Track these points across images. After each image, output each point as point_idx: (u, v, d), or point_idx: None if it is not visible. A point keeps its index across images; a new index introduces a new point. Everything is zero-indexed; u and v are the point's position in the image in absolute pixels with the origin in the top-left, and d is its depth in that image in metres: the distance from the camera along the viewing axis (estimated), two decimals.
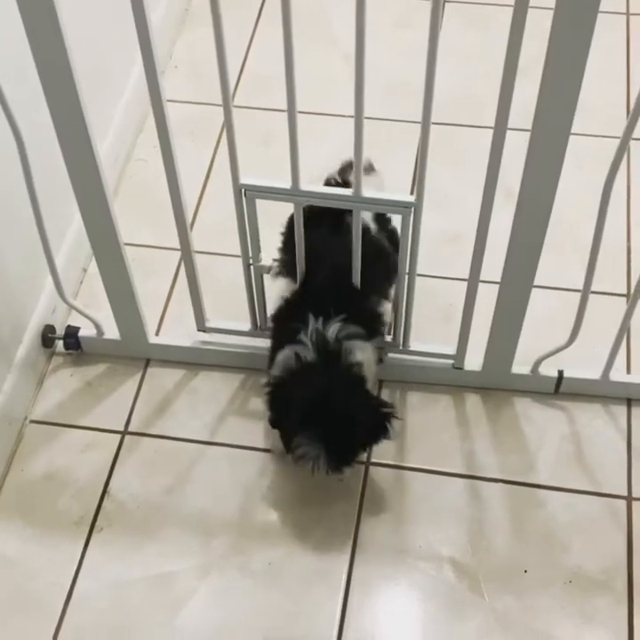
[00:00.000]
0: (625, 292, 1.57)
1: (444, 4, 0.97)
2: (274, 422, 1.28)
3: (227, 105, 1.10)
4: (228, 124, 1.13)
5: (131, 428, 1.44)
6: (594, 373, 1.42)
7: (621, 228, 1.65)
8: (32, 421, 1.46)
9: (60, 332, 1.51)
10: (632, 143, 1.06)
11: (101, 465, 1.40)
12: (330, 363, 1.21)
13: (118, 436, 1.44)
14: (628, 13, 2.01)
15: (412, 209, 1.18)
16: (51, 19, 0.99)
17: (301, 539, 1.33)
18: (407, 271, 1.29)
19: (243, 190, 1.21)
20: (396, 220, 1.31)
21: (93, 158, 1.16)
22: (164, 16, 1.93)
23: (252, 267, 1.33)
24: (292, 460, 1.23)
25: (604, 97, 1.78)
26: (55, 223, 1.32)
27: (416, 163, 1.76)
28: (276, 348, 1.28)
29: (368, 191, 1.17)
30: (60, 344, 1.52)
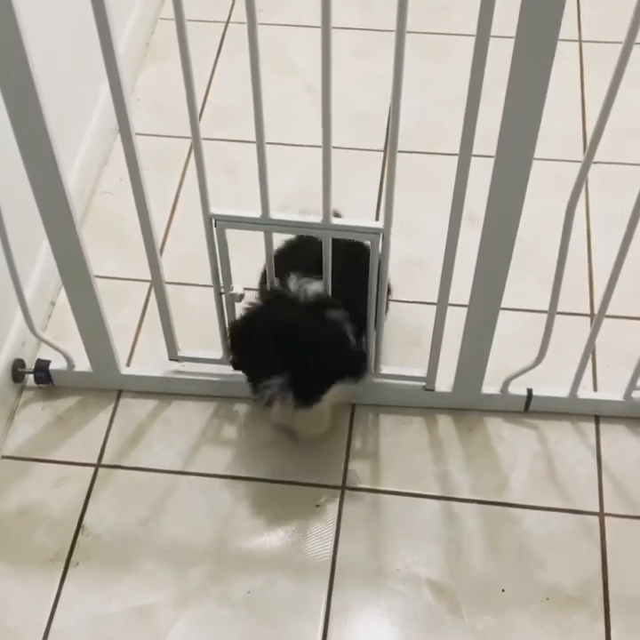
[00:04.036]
0: (588, 311, 1.60)
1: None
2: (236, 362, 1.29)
3: (196, 135, 1.12)
4: (197, 155, 1.14)
5: (104, 461, 1.44)
6: (562, 391, 1.45)
7: (582, 250, 1.68)
8: (3, 457, 1.44)
9: (30, 365, 1.51)
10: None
11: (75, 499, 1.39)
12: (311, 307, 1.23)
13: (92, 469, 1.43)
14: (580, 40, 2.06)
15: (381, 235, 1.20)
16: (19, 54, 1.00)
17: (279, 566, 1.33)
18: (376, 296, 1.30)
19: (213, 220, 1.22)
20: None
21: (62, 191, 1.17)
22: (125, 50, 1.94)
23: (223, 295, 1.34)
24: (259, 401, 1.25)
25: (560, 122, 1.83)
26: (21, 258, 1.32)
27: (380, 190, 1.80)
28: None
29: (336, 219, 1.19)
30: (30, 378, 1.51)
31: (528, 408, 1.47)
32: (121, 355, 1.48)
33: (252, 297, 1.33)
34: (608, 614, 1.27)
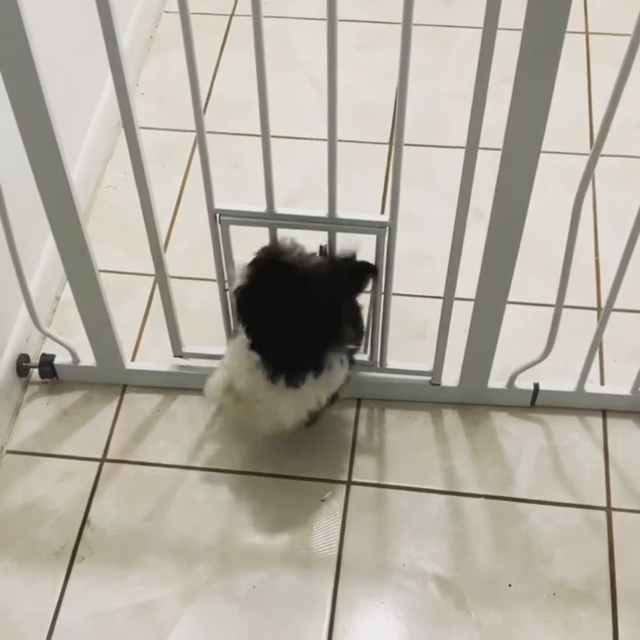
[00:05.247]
0: (595, 305, 1.59)
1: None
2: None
3: (200, 129, 1.11)
4: (201, 149, 1.13)
5: (109, 456, 1.43)
6: (569, 386, 1.44)
7: (589, 243, 1.67)
8: (8, 452, 1.44)
9: (35, 360, 1.50)
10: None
11: (80, 493, 1.39)
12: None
13: (97, 464, 1.42)
14: (586, 32, 2.05)
15: (387, 229, 1.19)
16: (23, 48, 1.00)
17: (285, 561, 1.32)
18: (383, 291, 1.30)
19: (217, 215, 1.21)
20: None
21: (66, 186, 1.17)
22: (129, 43, 1.93)
23: (228, 291, 1.33)
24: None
25: (566, 115, 1.82)
26: (26, 253, 1.32)
27: (385, 184, 1.79)
28: None
29: (343, 213, 1.18)
30: (35, 373, 1.50)
31: (534, 402, 1.46)
32: (126, 349, 1.48)
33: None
34: (615, 610, 1.27)
